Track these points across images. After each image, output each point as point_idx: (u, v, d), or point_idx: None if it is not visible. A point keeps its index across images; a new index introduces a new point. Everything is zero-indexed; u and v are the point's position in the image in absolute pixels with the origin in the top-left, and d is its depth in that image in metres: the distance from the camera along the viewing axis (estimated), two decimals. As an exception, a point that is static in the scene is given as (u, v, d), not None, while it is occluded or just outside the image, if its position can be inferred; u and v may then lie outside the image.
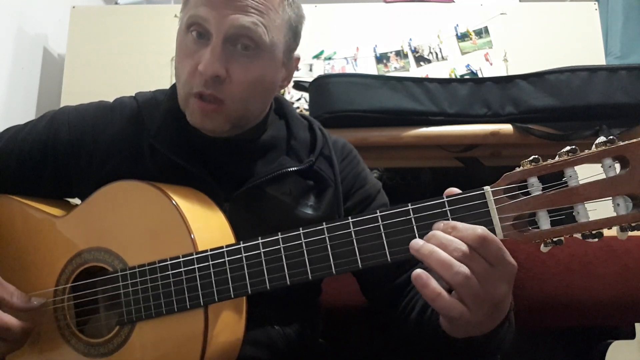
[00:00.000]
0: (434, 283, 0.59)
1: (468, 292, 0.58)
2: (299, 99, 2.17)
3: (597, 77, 1.42)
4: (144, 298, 0.72)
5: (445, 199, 0.62)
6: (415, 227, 0.63)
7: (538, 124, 1.43)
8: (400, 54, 2.29)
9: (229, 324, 0.73)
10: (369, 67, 2.28)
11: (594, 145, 0.58)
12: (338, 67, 2.28)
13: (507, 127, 1.45)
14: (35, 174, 0.88)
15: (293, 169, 0.87)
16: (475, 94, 1.47)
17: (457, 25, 2.30)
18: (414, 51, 2.29)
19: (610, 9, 2.58)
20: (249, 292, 0.68)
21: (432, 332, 0.73)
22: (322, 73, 2.12)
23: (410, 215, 0.63)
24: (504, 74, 2.16)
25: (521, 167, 0.61)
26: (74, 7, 2.32)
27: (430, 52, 2.29)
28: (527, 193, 0.60)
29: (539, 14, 2.23)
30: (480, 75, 2.20)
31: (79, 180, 0.88)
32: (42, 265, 0.82)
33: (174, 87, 0.89)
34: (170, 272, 0.71)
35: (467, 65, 2.25)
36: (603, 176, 0.57)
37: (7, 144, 0.89)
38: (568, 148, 0.59)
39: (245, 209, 0.84)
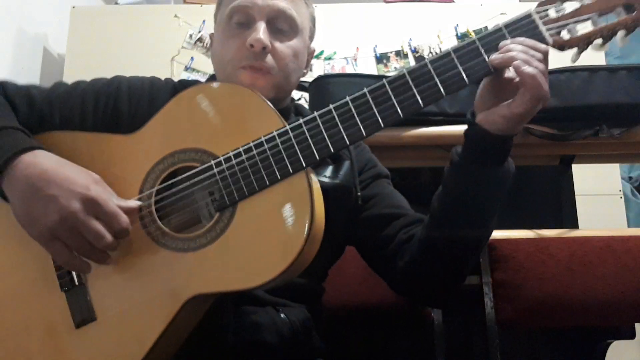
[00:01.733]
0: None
1: (541, 83, 0.73)
2: (299, 99, 2.17)
3: (597, 77, 1.42)
4: (244, 176, 0.76)
5: (501, 25, 0.77)
6: (482, 51, 0.77)
7: (538, 124, 1.43)
8: (400, 54, 2.30)
9: (317, 185, 0.78)
10: (369, 67, 2.28)
11: None
12: (338, 67, 2.29)
13: (507, 127, 1.45)
14: (97, 114, 0.91)
15: None
16: (476, 94, 1.47)
17: (457, 25, 2.30)
18: (414, 51, 2.29)
19: (610, 9, 2.58)
20: (347, 142, 0.76)
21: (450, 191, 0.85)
22: (322, 73, 2.12)
23: (476, 43, 0.77)
24: (504, 74, 2.16)
25: None
26: (74, 7, 2.33)
27: (430, 52, 2.29)
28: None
29: (539, 14, 2.24)
30: (480, 75, 2.20)
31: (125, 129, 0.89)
32: (118, 181, 0.81)
33: (212, 78, 1.01)
34: (266, 147, 0.76)
35: (467, 65, 2.25)
36: None
37: (72, 89, 0.94)
38: None
39: None
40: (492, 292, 1.24)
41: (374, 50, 2.30)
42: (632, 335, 1.34)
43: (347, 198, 0.92)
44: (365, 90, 0.78)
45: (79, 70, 2.23)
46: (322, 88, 1.49)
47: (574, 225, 1.72)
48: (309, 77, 1.45)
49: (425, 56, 2.29)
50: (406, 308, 1.26)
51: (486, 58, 0.76)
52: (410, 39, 2.30)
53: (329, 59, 2.29)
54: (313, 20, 1.01)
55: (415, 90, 0.76)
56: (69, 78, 2.21)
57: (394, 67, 2.28)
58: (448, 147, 1.52)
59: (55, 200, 0.72)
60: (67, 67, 2.25)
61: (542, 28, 0.77)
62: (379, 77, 1.53)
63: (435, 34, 2.30)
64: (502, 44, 0.76)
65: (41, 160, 0.76)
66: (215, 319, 0.80)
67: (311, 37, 1.01)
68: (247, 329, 0.83)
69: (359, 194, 0.93)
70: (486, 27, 2.27)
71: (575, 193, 1.76)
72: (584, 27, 0.77)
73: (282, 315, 0.86)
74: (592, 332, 1.36)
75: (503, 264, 1.24)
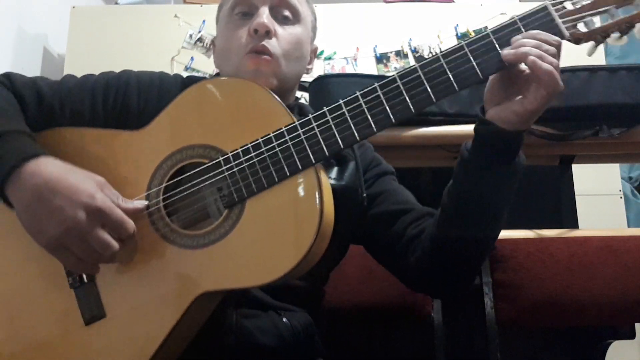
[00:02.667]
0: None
1: (557, 80, 0.72)
2: (299, 99, 2.17)
3: (597, 77, 1.42)
4: (252, 173, 0.75)
5: (516, 18, 0.75)
6: (497, 45, 0.75)
7: (538, 124, 1.42)
8: (400, 54, 2.30)
9: (326, 181, 0.77)
10: (369, 67, 2.28)
11: None
12: (338, 67, 2.28)
13: (507, 127, 1.44)
14: (107, 107, 0.90)
15: None
16: (475, 94, 1.47)
17: (457, 25, 2.30)
18: (414, 51, 2.29)
19: (610, 9, 2.58)
20: (357, 138, 0.75)
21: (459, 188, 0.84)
22: (322, 73, 2.12)
23: (490, 37, 0.75)
24: (504, 74, 2.16)
25: None
26: (74, 7, 2.33)
27: (430, 52, 2.29)
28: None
29: (539, 14, 2.24)
30: (480, 75, 2.20)
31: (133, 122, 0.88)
32: (126, 178, 0.81)
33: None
34: (275, 143, 0.75)
35: (467, 65, 2.25)
36: None
37: (82, 82, 0.93)
38: None
39: None
40: (492, 292, 1.24)
41: (374, 50, 2.30)
42: (632, 335, 1.35)
43: (353, 199, 0.91)
44: (376, 84, 0.76)
45: (79, 70, 2.20)
46: (322, 88, 1.49)
47: (574, 225, 1.71)
48: (308, 77, 1.45)
49: (426, 56, 2.29)
50: (406, 308, 1.26)
51: (500, 52, 0.75)
52: (410, 39, 2.30)
53: (329, 59, 2.29)
54: (314, 16, 1.01)
55: (427, 85, 0.75)
56: (69, 78, 2.22)
57: (394, 67, 2.28)
58: (448, 147, 1.52)
59: (61, 211, 0.72)
60: (67, 67, 2.25)
61: (558, 21, 0.75)
62: (379, 77, 1.53)
63: (435, 34, 2.30)
64: (514, 39, 0.75)
65: (45, 169, 0.75)
66: (217, 321, 0.80)
67: (314, 31, 1.02)
68: (248, 332, 0.83)
69: (365, 194, 0.93)
70: (486, 27, 2.27)
71: (575, 193, 1.76)
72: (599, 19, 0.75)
73: (285, 319, 0.86)
74: (592, 332, 1.36)
75: (503, 264, 1.24)
